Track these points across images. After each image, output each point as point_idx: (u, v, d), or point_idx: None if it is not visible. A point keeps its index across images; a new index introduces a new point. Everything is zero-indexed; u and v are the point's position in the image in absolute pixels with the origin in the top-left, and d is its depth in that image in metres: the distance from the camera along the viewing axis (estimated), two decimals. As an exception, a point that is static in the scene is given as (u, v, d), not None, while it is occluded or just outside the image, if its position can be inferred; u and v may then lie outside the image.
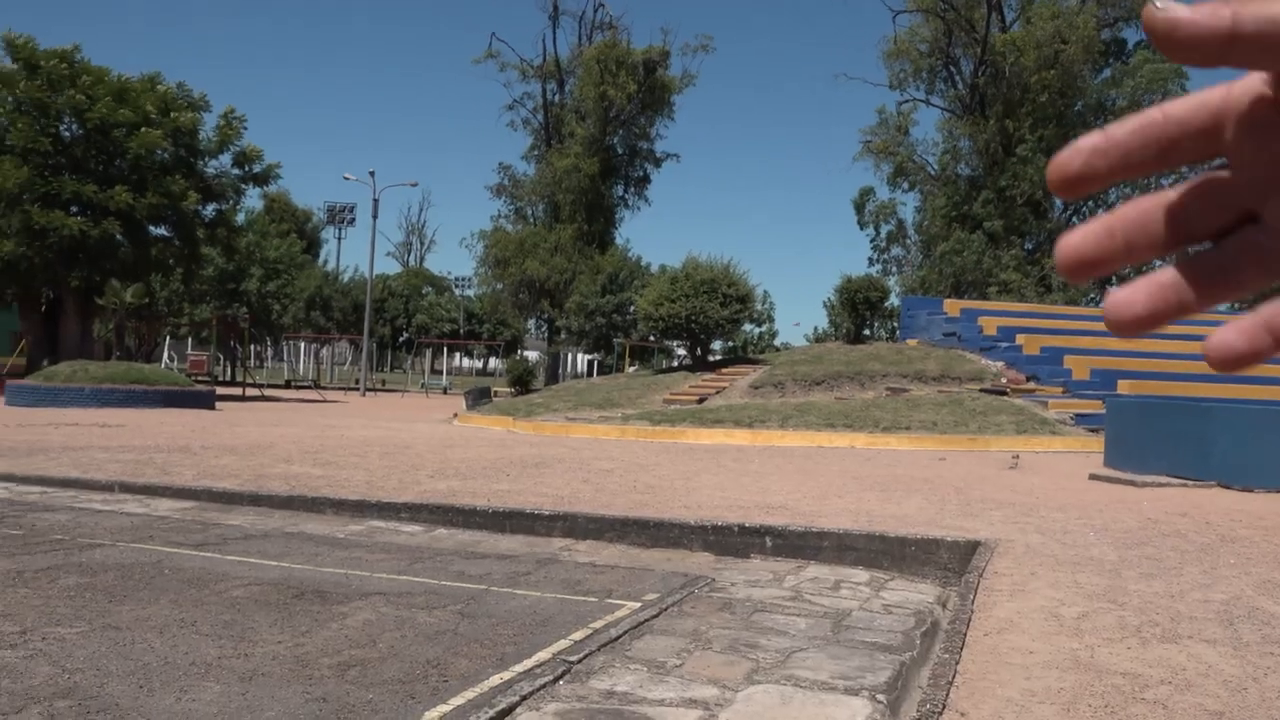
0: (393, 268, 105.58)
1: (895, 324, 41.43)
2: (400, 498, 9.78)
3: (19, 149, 32.92)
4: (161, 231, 37.37)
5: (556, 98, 53.34)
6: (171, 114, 35.48)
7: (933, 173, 54.11)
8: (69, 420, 21.39)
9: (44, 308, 36.99)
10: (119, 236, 34.07)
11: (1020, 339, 27.83)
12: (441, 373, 70.80)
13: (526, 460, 14.77)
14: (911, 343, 30.80)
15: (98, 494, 10.34)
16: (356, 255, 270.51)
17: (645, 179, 53.31)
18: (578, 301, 47.10)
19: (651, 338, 44.21)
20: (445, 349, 71.91)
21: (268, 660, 4.86)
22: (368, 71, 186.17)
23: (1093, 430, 20.11)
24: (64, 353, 34.50)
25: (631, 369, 46.02)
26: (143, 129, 33.99)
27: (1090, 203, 37.16)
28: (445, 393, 56.53)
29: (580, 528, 8.77)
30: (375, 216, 50.64)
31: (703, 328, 29.36)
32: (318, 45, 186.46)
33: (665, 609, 6.20)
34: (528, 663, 4.98)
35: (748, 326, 57.53)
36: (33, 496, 10.06)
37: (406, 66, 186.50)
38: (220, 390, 35.94)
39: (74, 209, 33.70)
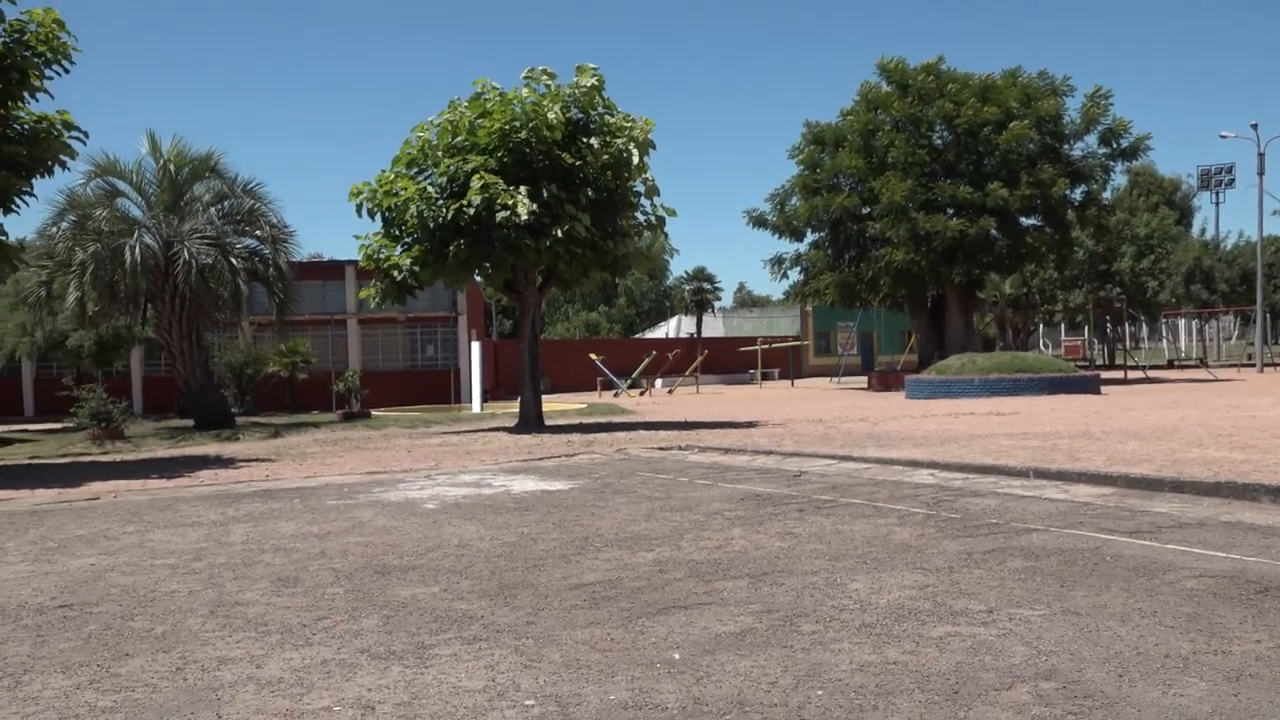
0: None
1: None
2: (1353, 484, 8.53)
3: (900, 164, 36.00)
4: (1032, 221, 38.04)
5: None
6: (1034, 104, 35.96)
7: None
8: (964, 410, 22.69)
9: (929, 306, 39.92)
10: (994, 232, 35.40)
11: None
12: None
13: None
14: None
15: (1015, 480, 10.67)
16: (1237, 219, 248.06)
17: None
18: None
19: None
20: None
21: (1250, 660, 4.45)
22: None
23: None
24: (949, 347, 36.84)
25: None
26: (1010, 124, 34.94)
27: None
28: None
29: None
30: (1261, 173, 45.92)
31: None
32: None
33: None
34: None
35: None
36: (957, 483, 10.73)
37: None
38: (1100, 374, 35.36)
39: (950, 211, 35.83)
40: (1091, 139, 37.75)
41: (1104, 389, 29.81)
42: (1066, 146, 37.62)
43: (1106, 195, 42.24)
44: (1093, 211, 38.70)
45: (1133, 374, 42.76)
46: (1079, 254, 46.97)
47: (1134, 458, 11.53)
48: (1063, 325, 67.93)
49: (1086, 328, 61.28)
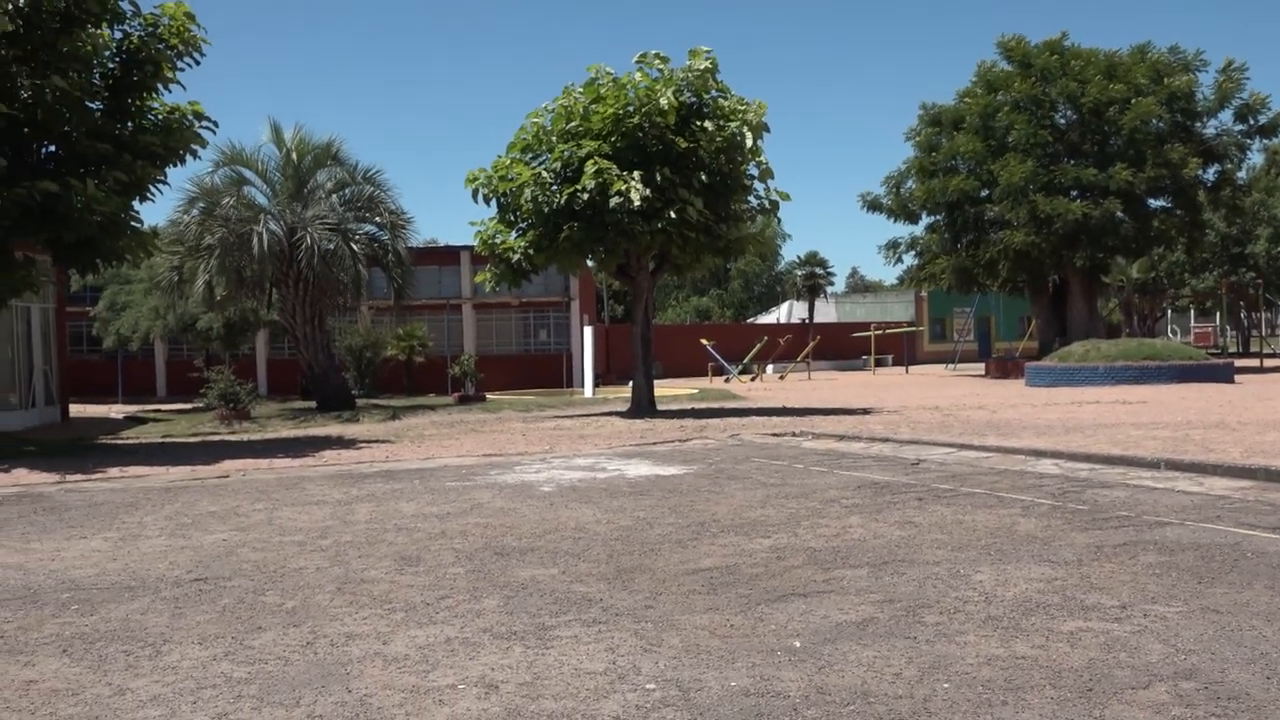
0: None
1: None
2: None
3: (1021, 145, 35.00)
4: (1161, 203, 36.64)
5: None
6: (1164, 80, 34.59)
7: None
8: (1089, 398, 22.02)
9: (1050, 291, 38.76)
10: (1119, 214, 34.19)
11: None
12: None
13: None
14: None
15: (1145, 471, 10.31)
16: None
17: None
18: None
19: None
20: None
21: None
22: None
23: None
24: (1072, 333, 35.74)
25: None
26: (1135, 101, 33.69)
27: None
28: None
29: None
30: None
31: None
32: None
33: None
34: None
35: None
36: (1083, 473, 10.40)
37: None
38: (1233, 362, 33.95)
39: (1074, 193, 34.73)
40: (1226, 116, 36.18)
41: (1238, 378, 28.62)
42: (1199, 124, 36.10)
43: (1242, 175, 40.43)
44: (1227, 192, 37.10)
45: (1269, 362, 40.97)
46: (1210, 236, 45.07)
47: (1274, 449, 11.05)
48: (1192, 311, 65.44)
49: (1218, 313, 58.90)
